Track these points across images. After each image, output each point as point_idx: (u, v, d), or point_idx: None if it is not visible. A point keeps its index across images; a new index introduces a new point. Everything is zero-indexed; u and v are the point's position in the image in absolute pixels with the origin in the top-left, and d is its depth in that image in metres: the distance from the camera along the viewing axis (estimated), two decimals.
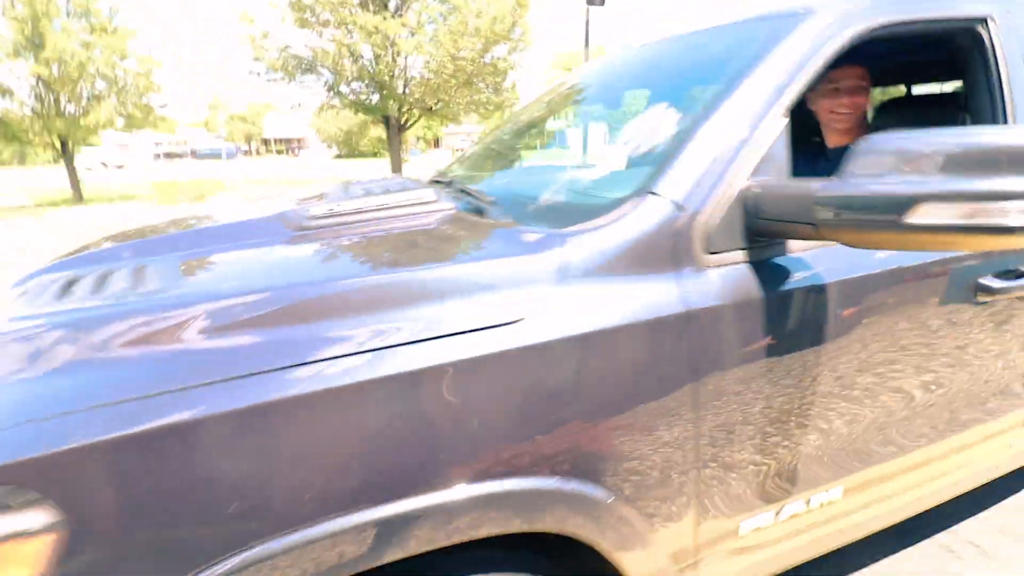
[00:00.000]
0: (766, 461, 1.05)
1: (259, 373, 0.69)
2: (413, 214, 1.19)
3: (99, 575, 0.64)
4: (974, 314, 1.25)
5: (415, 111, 11.81)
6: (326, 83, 10.44)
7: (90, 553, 0.63)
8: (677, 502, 0.96)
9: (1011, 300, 1.26)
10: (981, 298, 1.23)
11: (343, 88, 10.51)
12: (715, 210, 0.95)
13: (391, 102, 10.46)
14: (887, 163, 0.82)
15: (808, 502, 1.15)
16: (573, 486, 0.85)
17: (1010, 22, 1.26)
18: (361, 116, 12.47)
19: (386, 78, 9.96)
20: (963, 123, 1.52)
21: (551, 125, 2.02)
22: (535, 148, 2.03)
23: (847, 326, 1.07)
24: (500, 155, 1.96)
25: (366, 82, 10.42)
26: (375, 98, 10.83)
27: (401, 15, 9.98)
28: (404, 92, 10.69)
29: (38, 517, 0.60)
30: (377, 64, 9.92)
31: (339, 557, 0.72)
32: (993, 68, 1.27)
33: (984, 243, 0.85)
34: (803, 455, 1.09)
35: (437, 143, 74.30)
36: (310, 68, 10.02)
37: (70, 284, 1.05)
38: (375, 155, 43.30)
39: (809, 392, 1.06)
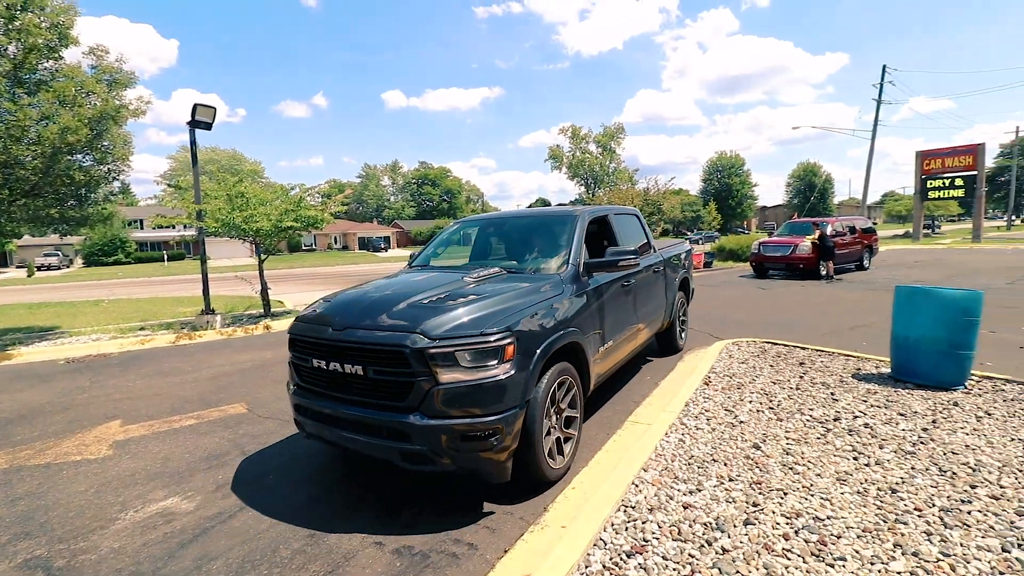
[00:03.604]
0: (602, 329, 4.38)
1: (526, 308, 3.49)
2: (498, 275, 4.09)
3: (520, 356, 3.22)
4: (635, 287, 5.25)
5: None
6: None
7: (518, 347, 3.21)
8: (592, 336, 4.15)
9: (641, 279, 5.48)
10: (627, 283, 5.32)
11: None
12: (579, 266, 4.30)
13: None
14: (612, 253, 4.36)
15: (609, 343, 4.51)
16: (574, 331, 3.76)
17: (614, 216, 5.60)
18: None
19: None
20: (610, 242, 5.47)
21: (482, 238, 5.57)
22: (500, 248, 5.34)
23: (610, 291, 4.63)
24: (474, 247, 5.54)
25: None
26: None
27: None
28: None
29: (511, 338, 3.16)
30: None
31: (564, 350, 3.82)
32: (610, 228, 5.43)
33: (627, 268, 4.43)
34: (607, 327, 4.48)
35: (5, 259, 56.43)
36: None
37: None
38: None
39: (604, 309, 4.46)
